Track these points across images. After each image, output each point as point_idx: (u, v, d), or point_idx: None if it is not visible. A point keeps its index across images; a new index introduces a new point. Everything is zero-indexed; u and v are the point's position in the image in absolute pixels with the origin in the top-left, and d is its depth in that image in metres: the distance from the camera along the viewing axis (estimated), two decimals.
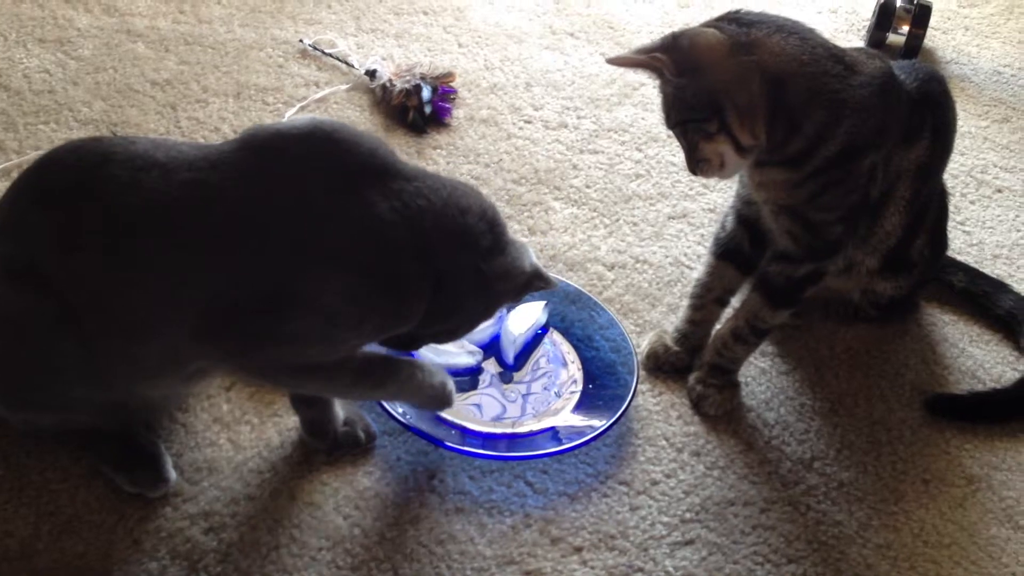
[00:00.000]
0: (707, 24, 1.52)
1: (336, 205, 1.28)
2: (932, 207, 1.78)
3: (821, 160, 1.51)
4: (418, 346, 1.49)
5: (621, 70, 2.54)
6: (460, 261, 1.35)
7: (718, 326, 1.78)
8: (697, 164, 1.57)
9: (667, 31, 2.73)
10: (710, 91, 1.48)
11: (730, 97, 1.47)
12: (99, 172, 1.29)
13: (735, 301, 1.81)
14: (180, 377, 1.40)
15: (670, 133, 1.60)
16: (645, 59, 1.51)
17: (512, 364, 1.75)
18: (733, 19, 1.50)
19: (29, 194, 1.34)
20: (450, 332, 1.47)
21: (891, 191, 1.64)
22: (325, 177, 1.30)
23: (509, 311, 1.78)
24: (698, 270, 1.81)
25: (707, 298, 1.77)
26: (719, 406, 1.72)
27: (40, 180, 1.34)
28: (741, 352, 1.73)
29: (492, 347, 1.77)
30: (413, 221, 1.31)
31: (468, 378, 1.72)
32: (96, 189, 1.29)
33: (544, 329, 1.81)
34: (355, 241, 1.28)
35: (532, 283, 1.46)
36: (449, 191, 1.36)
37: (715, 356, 1.73)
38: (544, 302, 1.81)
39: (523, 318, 1.78)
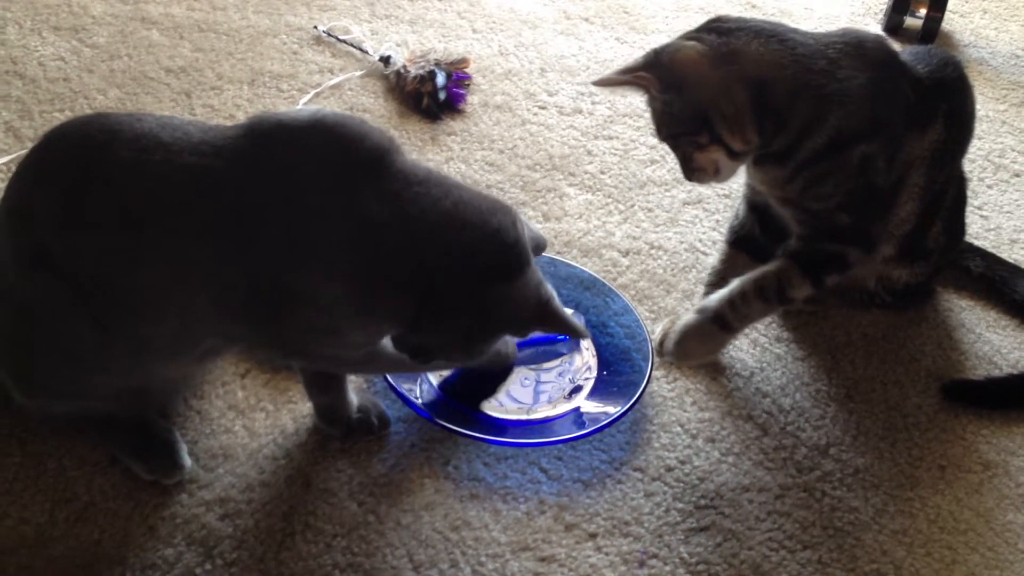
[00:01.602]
0: (687, 36, 1.52)
1: (329, 204, 1.26)
2: (949, 194, 1.77)
3: (808, 153, 1.51)
4: (427, 361, 1.44)
5: (637, 54, 2.53)
6: (453, 276, 1.30)
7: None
8: (692, 173, 1.58)
9: (681, 16, 2.73)
10: (697, 105, 1.49)
11: (717, 109, 1.48)
12: (104, 151, 1.28)
13: None
14: (193, 356, 1.40)
15: (663, 145, 1.60)
16: (630, 79, 1.52)
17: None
18: (712, 29, 1.51)
19: (35, 173, 1.34)
20: (446, 353, 1.41)
21: (903, 179, 1.63)
22: (321, 174, 1.28)
23: None
24: (713, 257, 1.81)
25: (721, 286, 1.76)
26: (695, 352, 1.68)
27: (45, 158, 1.34)
28: (757, 311, 1.64)
29: None
30: (406, 228, 1.27)
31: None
32: (101, 169, 1.28)
33: (565, 336, 1.77)
34: (342, 244, 1.26)
35: (538, 321, 1.42)
36: (454, 202, 1.30)
37: (727, 307, 1.63)
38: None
39: None
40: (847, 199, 1.57)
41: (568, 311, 1.53)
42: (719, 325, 1.63)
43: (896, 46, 2.65)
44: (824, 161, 1.52)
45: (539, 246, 1.45)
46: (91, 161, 1.29)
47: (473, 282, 1.31)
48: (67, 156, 1.32)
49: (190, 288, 1.28)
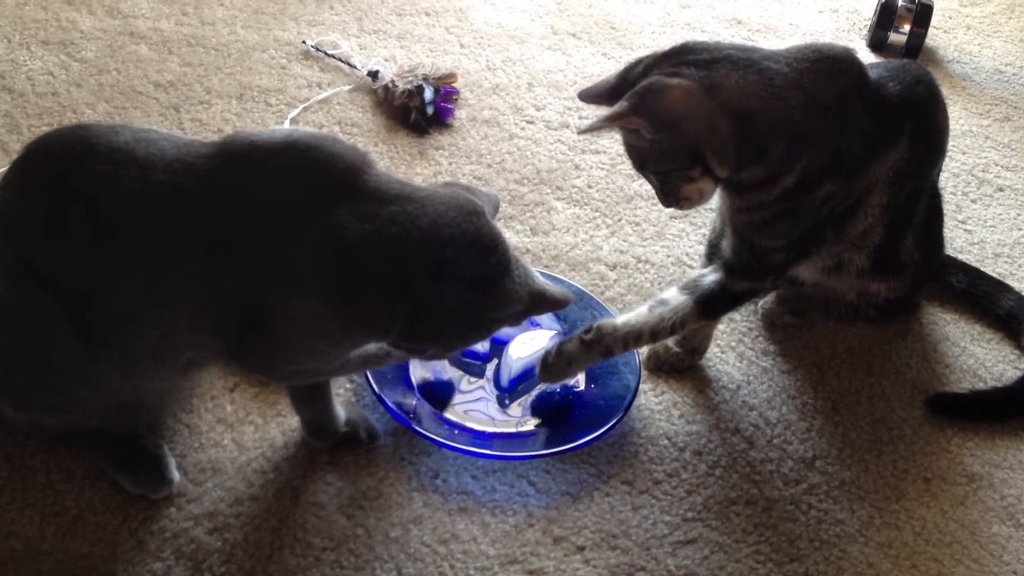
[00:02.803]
0: (666, 72, 1.48)
1: (302, 226, 1.27)
2: (919, 208, 1.76)
3: (779, 191, 1.52)
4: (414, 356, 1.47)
5: (623, 69, 2.55)
6: (440, 291, 1.31)
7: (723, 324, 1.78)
8: (678, 203, 1.57)
9: (667, 31, 2.75)
10: (690, 142, 1.47)
11: (708, 143, 1.47)
12: (81, 164, 1.29)
13: None
14: (175, 368, 1.40)
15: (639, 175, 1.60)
16: (619, 124, 1.50)
17: (505, 387, 1.72)
18: (689, 62, 1.48)
19: (17, 185, 1.34)
20: (444, 350, 1.45)
21: (861, 201, 1.63)
22: (294, 196, 1.28)
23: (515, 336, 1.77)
24: (696, 272, 1.80)
25: None
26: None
27: (25, 171, 1.34)
28: (643, 346, 1.70)
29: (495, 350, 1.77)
30: (384, 248, 1.28)
31: (480, 363, 1.74)
32: (78, 182, 1.29)
33: None
34: (319, 264, 1.26)
35: (532, 309, 1.43)
36: (432, 219, 1.31)
37: (619, 346, 1.65)
38: (555, 331, 1.79)
39: (528, 343, 1.75)
40: (795, 239, 1.59)
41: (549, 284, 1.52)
42: (604, 355, 1.66)
43: (876, 59, 2.67)
44: (790, 200, 1.53)
45: (496, 207, 1.49)
46: (69, 174, 1.30)
47: (465, 292, 1.33)
48: (47, 168, 1.32)
49: (164, 302, 1.29)
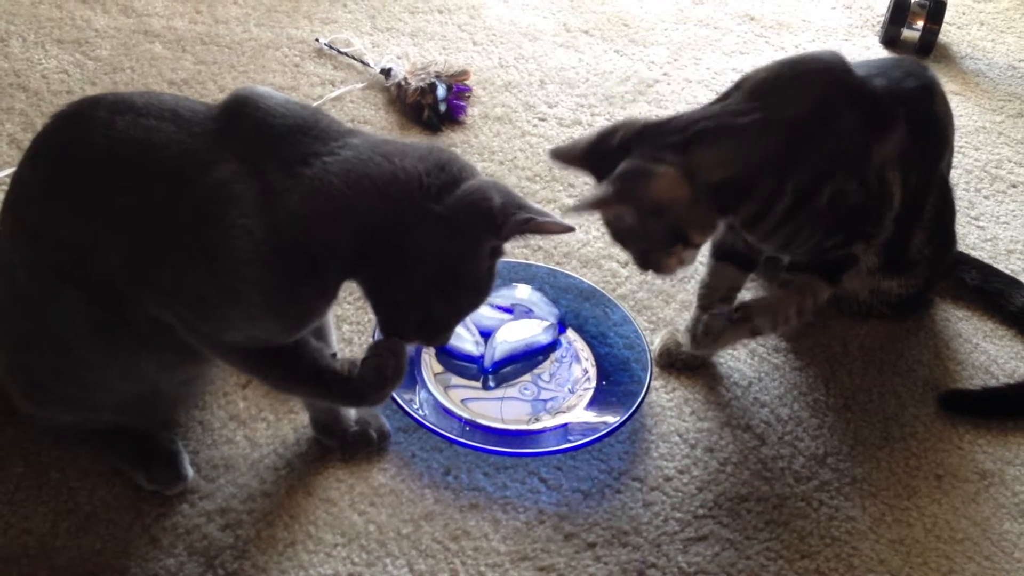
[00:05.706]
0: (648, 156, 1.46)
1: (245, 171, 1.25)
2: (928, 203, 1.75)
3: (778, 215, 1.52)
4: (437, 334, 1.41)
5: (636, 66, 2.55)
6: (398, 209, 1.28)
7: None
8: (657, 273, 1.58)
9: (680, 28, 2.74)
10: (673, 226, 1.49)
11: (689, 223, 1.49)
12: (85, 114, 1.33)
13: (746, 295, 1.81)
14: (177, 350, 1.37)
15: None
16: (604, 209, 1.51)
17: (488, 368, 1.73)
18: (667, 145, 1.46)
19: (28, 156, 1.37)
20: (441, 292, 1.34)
21: (885, 181, 1.61)
22: (226, 154, 1.27)
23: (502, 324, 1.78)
24: (702, 272, 1.80)
25: (713, 298, 1.75)
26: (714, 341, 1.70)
27: (38, 140, 1.37)
28: (791, 324, 1.66)
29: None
30: (319, 192, 1.25)
31: (475, 366, 1.74)
32: (78, 131, 1.32)
33: (544, 346, 1.78)
34: (259, 206, 1.24)
35: (509, 215, 1.32)
36: (375, 144, 1.31)
37: (769, 327, 1.64)
38: (548, 321, 1.79)
39: (517, 330, 1.77)
40: (831, 229, 1.58)
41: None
42: (752, 335, 1.67)
43: (888, 56, 2.66)
44: (796, 216, 1.52)
45: None
46: (71, 124, 1.34)
47: (426, 206, 1.29)
48: (54, 130, 1.36)
49: (142, 253, 1.28)
